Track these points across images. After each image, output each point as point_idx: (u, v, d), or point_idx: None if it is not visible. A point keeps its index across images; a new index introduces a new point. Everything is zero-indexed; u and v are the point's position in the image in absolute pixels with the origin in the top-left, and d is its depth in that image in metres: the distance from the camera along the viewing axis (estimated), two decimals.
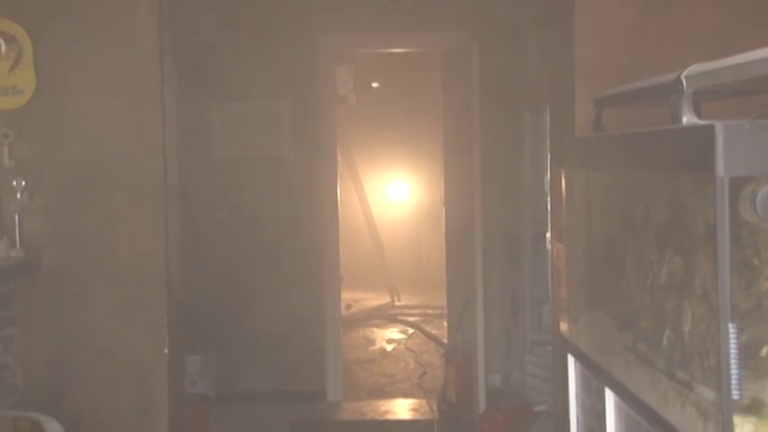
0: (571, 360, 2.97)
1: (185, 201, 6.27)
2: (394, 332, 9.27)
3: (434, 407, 6.43)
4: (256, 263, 6.65)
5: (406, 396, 6.86)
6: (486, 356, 6.07)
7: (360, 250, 10.76)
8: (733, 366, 1.67)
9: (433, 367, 7.54)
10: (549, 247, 5.67)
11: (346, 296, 8.33)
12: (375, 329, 9.41)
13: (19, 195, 4.37)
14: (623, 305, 2.31)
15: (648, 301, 2.10)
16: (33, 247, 4.43)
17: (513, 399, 6.22)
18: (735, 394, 1.67)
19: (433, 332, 8.83)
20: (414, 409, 6.54)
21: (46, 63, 4.47)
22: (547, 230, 5.76)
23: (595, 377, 2.64)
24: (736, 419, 1.68)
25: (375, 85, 11.27)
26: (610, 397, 2.48)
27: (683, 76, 2.06)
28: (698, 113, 2.05)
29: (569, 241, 3.03)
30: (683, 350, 1.88)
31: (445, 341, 7.47)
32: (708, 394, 1.74)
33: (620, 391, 2.35)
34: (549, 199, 5.63)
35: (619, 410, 2.44)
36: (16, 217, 4.37)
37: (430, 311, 9.81)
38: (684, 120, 2.02)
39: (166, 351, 4.57)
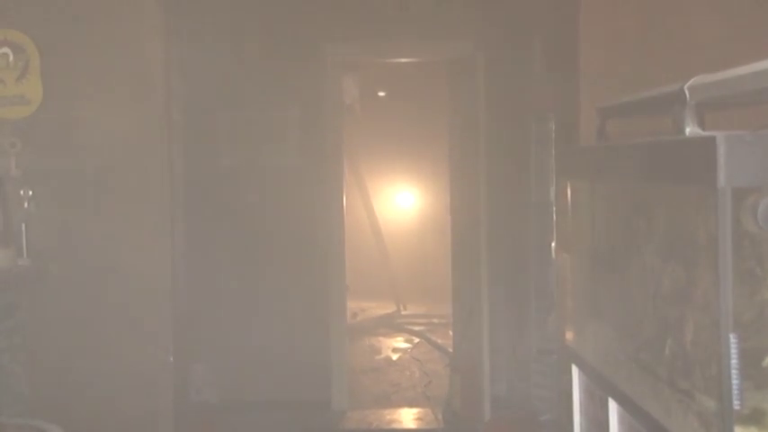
0: (575, 370, 2.97)
1: (192, 209, 6.28)
2: (399, 341, 9.27)
3: (439, 416, 6.43)
4: (262, 271, 6.65)
5: (411, 405, 6.86)
6: (492, 366, 6.07)
7: (366, 259, 10.76)
8: (734, 376, 1.67)
9: (438, 376, 7.54)
10: (554, 256, 5.68)
11: (352, 305, 8.34)
12: (381, 338, 9.41)
13: (26, 204, 4.40)
14: (626, 315, 2.32)
15: (651, 310, 2.11)
16: (40, 256, 4.45)
17: (517, 408, 6.21)
18: (736, 404, 1.67)
19: (439, 341, 8.83)
20: (419, 418, 6.53)
21: (53, 73, 4.50)
22: (552, 240, 5.76)
23: (599, 387, 2.65)
24: (738, 429, 1.68)
25: (381, 94, 11.28)
26: (613, 406, 2.49)
27: (686, 87, 2.07)
28: (701, 124, 2.06)
29: (574, 251, 3.03)
30: (685, 360, 1.88)
31: (450, 350, 7.47)
32: (709, 404, 1.75)
33: (623, 401, 2.36)
34: (554, 208, 5.63)
35: (622, 420, 2.45)
36: (23, 226, 4.40)
37: (435, 321, 9.81)
38: (687, 130, 2.03)
39: (172, 359, 4.58)
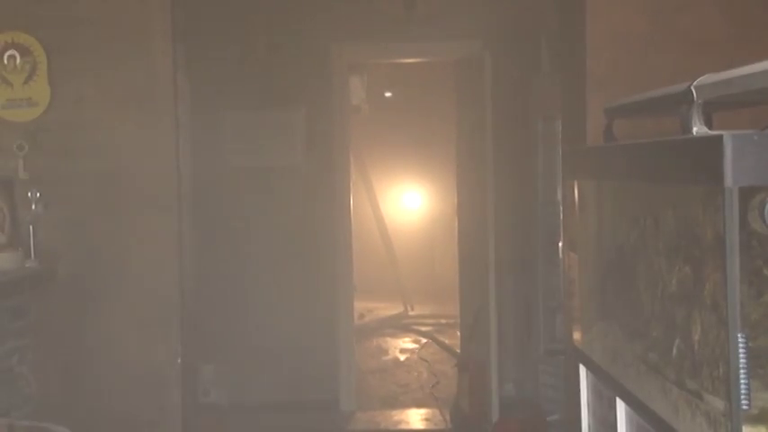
0: (583, 370, 2.97)
1: (199, 211, 6.29)
2: (407, 342, 9.28)
3: (447, 416, 6.43)
4: (270, 272, 6.67)
5: (419, 406, 6.86)
6: (500, 366, 6.07)
7: (373, 259, 10.77)
8: (742, 376, 1.67)
9: (446, 377, 7.54)
10: (561, 256, 5.67)
11: (359, 305, 8.35)
12: (388, 339, 9.42)
13: (34, 207, 4.41)
14: (634, 315, 2.32)
15: (659, 310, 2.11)
16: (48, 258, 4.46)
17: (526, 408, 6.21)
18: (744, 404, 1.67)
19: (447, 342, 8.83)
20: (427, 419, 6.54)
21: (60, 75, 4.51)
22: (559, 240, 5.75)
23: (607, 387, 2.64)
24: (746, 429, 1.68)
25: (388, 94, 11.29)
26: (621, 407, 2.48)
27: (693, 87, 2.07)
28: (709, 124, 2.05)
29: (581, 251, 3.03)
30: (692, 360, 1.88)
31: (458, 351, 7.47)
32: (717, 404, 1.75)
33: (631, 401, 2.35)
34: (561, 208, 5.62)
35: (630, 420, 2.44)
36: (31, 228, 4.40)
37: (443, 321, 9.81)
38: (694, 130, 2.02)
39: (180, 361, 4.58)
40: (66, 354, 4.50)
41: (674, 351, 1.99)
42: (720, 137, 1.71)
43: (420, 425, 6.46)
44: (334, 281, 6.73)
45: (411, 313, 10.62)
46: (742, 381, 1.67)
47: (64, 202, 4.52)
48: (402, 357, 8.59)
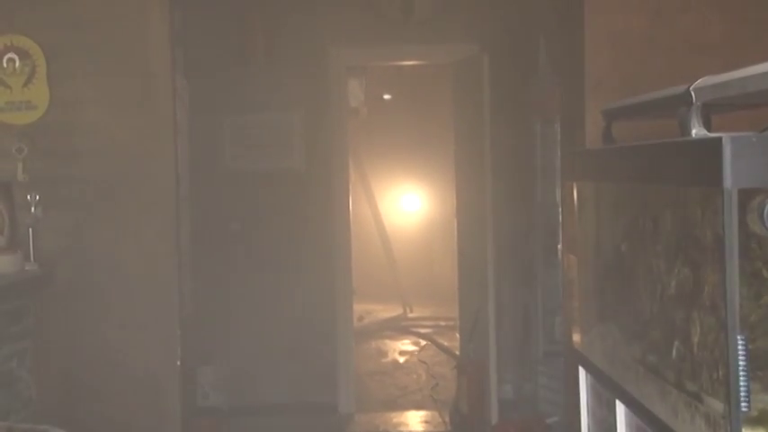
0: (582, 372, 2.97)
1: (198, 213, 6.29)
2: (406, 344, 9.27)
3: (447, 419, 6.43)
4: (269, 275, 6.66)
5: (418, 408, 6.86)
6: (499, 368, 6.07)
7: (372, 262, 10.76)
8: (742, 378, 1.67)
9: (445, 379, 7.54)
10: (560, 258, 5.67)
11: (358, 308, 8.34)
12: (387, 341, 9.41)
13: (33, 210, 4.41)
14: (633, 317, 2.32)
15: (658, 312, 2.11)
16: (47, 261, 4.45)
17: (525, 410, 6.21)
18: (743, 406, 1.67)
19: (446, 344, 8.82)
20: (426, 421, 6.53)
21: (59, 78, 4.51)
22: (558, 242, 5.75)
23: (606, 389, 2.64)
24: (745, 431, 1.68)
25: (386, 97, 11.29)
26: (620, 409, 2.48)
27: (691, 89, 2.07)
28: (707, 126, 2.05)
29: (580, 252, 3.03)
30: (692, 362, 1.88)
31: (457, 353, 7.47)
32: (717, 406, 1.75)
33: (631, 403, 2.35)
34: (560, 210, 5.62)
35: (629, 422, 2.44)
36: (30, 231, 4.40)
37: (442, 323, 9.81)
38: (693, 132, 2.03)
39: (179, 363, 4.58)
40: (65, 357, 4.50)
41: (674, 353, 1.99)
42: (719, 139, 1.71)
43: (419, 427, 6.45)
44: (333, 283, 6.72)
45: (410, 315, 10.62)
46: (741, 383, 1.67)
47: (63, 204, 4.52)
48: (401, 359, 8.59)
